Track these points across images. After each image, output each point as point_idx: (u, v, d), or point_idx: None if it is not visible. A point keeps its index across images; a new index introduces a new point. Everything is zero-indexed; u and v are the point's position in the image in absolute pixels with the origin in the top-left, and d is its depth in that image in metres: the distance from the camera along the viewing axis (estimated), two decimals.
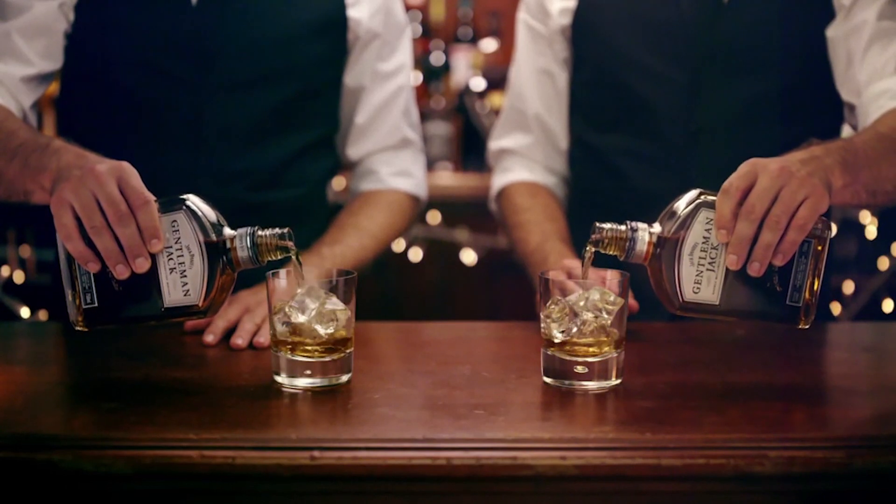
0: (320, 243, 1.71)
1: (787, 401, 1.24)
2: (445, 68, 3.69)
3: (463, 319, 1.84)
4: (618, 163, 1.80)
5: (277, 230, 1.23)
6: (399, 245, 3.10)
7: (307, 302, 1.24)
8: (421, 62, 3.64)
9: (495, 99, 3.50)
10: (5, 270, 2.92)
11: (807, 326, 1.24)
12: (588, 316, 1.24)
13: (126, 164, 1.22)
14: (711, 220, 1.22)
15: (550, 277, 1.28)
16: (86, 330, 1.25)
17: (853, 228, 2.90)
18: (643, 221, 1.25)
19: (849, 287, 2.93)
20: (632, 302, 1.43)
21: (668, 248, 1.23)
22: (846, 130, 1.76)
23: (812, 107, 1.75)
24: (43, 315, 2.73)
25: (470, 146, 3.49)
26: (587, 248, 1.26)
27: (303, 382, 1.25)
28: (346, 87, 1.84)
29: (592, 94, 1.85)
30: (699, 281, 1.22)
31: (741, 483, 1.07)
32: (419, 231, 3.16)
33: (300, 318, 1.24)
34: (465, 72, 3.65)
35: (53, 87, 1.81)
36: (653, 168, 1.77)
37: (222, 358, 1.41)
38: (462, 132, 3.52)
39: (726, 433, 1.10)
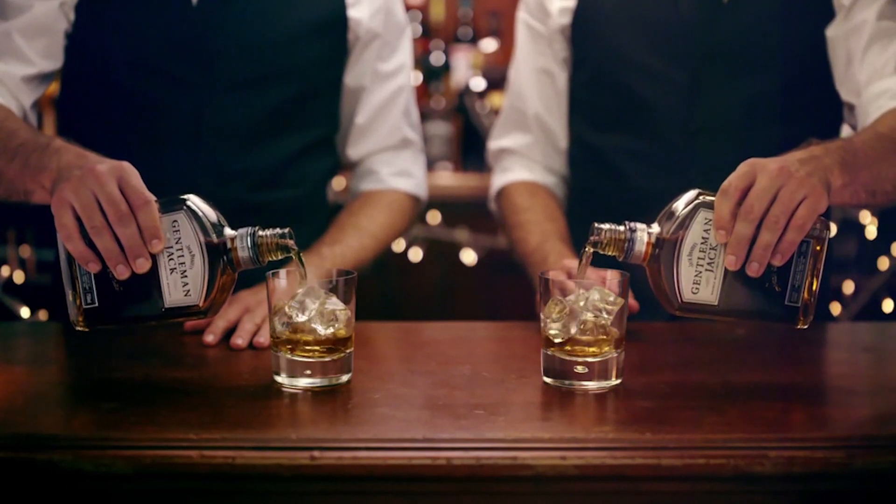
0: (320, 243, 1.71)
1: (787, 401, 1.24)
2: (445, 68, 3.69)
3: (463, 319, 1.84)
4: (617, 163, 1.80)
5: (278, 230, 1.23)
6: (399, 245, 3.10)
7: (307, 302, 1.24)
8: (421, 62, 3.64)
9: (495, 99, 3.50)
10: (5, 270, 2.93)
11: (805, 326, 1.24)
12: (588, 316, 1.24)
13: (127, 164, 1.22)
14: (710, 220, 1.22)
15: (550, 277, 1.28)
16: (86, 330, 1.25)
17: (853, 228, 2.90)
18: (642, 221, 1.25)
19: (849, 287, 2.93)
20: (632, 302, 1.43)
21: (666, 248, 1.23)
22: (845, 130, 1.76)
23: (812, 106, 1.75)
24: (43, 315, 2.73)
25: (470, 146, 3.49)
26: (585, 249, 1.26)
27: (303, 382, 1.25)
28: (346, 88, 1.84)
29: (592, 93, 1.85)
30: (698, 281, 1.22)
31: (741, 483, 1.07)
32: (419, 231, 3.16)
33: (300, 318, 1.24)
34: (465, 72, 3.65)
35: (53, 87, 1.81)
36: (652, 168, 1.77)
37: (222, 358, 1.41)
38: (462, 132, 3.52)
39: (726, 433, 1.10)
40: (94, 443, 1.06)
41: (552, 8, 1.85)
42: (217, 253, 1.22)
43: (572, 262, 1.51)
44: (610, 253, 1.25)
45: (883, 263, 2.90)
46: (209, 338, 1.45)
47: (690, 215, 1.22)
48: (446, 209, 3.16)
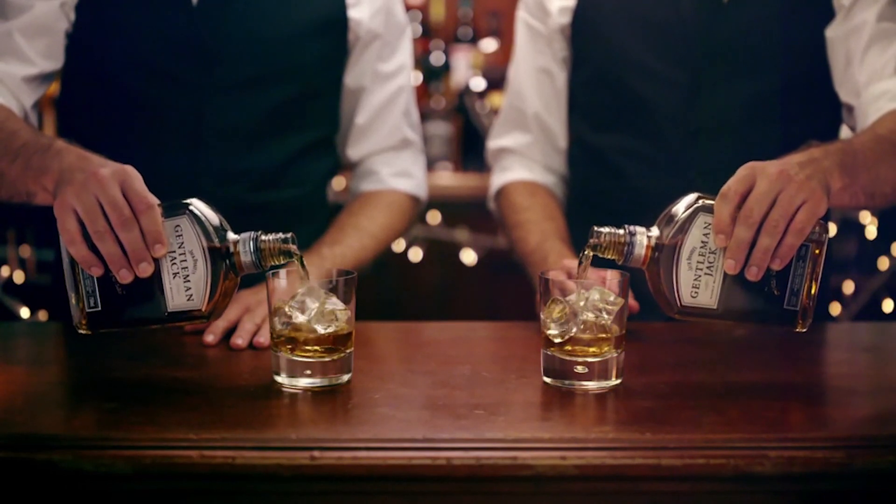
0: (320, 244, 1.71)
1: (787, 401, 1.24)
2: (445, 68, 3.69)
3: (463, 319, 1.84)
4: (617, 162, 1.80)
5: (280, 235, 1.23)
6: (399, 245, 3.10)
7: (307, 302, 1.24)
8: (421, 62, 3.64)
9: (495, 99, 3.50)
10: (5, 270, 2.93)
11: (804, 330, 1.24)
12: (588, 316, 1.24)
13: (129, 168, 1.22)
14: (709, 224, 1.22)
15: (550, 277, 1.28)
16: (89, 333, 1.25)
17: (853, 228, 2.90)
18: (642, 222, 1.25)
19: (849, 287, 2.94)
20: (632, 302, 1.43)
21: (666, 252, 1.23)
22: (845, 131, 1.76)
23: (812, 107, 1.75)
24: (43, 315, 2.73)
25: (470, 146, 3.49)
26: (585, 252, 1.26)
27: (303, 382, 1.25)
28: (346, 88, 1.84)
29: (592, 93, 1.85)
30: (697, 285, 1.23)
31: (741, 483, 1.07)
32: (419, 231, 3.16)
33: (300, 318, 1.24)
34: (465, 72, 3.65)
35: (54, 87, 1.81)
36: (652, 168, 1.77)
37: (222, 358, 1.41)
38: (462, 132, 3.52)
39: (726, 433, 1.10)
40: (94, 443, 1.06)
41: (552, 7, 1.85)
42: (219, 257, 1.22)
43: (572, 262, 1.51)
44: (609, 256, 1.25)
45: (883, 263, 2.91)
46: (209, 338, 1.45)
47: (690, 219, 1.22)
48: (446, 209, 3.16)
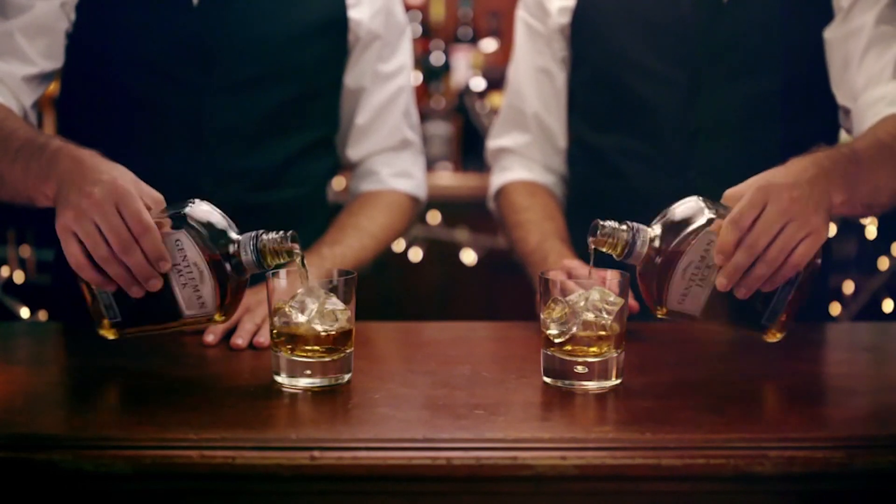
0: (320, 244, 1.71)
1: (787, 401, 1.24)
2: (445, 68, 3.69)
3: (463, 319, 1.84)
4: (616, 162, 1.80)
5: (281, 233, 1.24)
6: (399, 245, 3.10)
7: (307, 302, 1.24)
8: (421, 62, 3.64)
9: (495, 99, 3.50)
10: (5, 270, 2.93)
11: (775, 341, 1.30)
12: (588, 316, 1.24)
13: (122, 187, 1.21)
14: (712, 242, 1.23)
15: (550, 277, 1.28)
16: (116, 337, 1.29)
17: (853, 228, 2.90)
18: (642, 222, 1.26)
19: (849, 287, 2.94)
20: (632, 302, 1.43)
21: (664, 259, 1.24)
22: (844, 132, 1.76)
23: (811, 107, 1.75)
24: (43, 315, 2.73)
25: (470, 146, 3.49)
26: (592, 247, 1.27)
27: (303, 382, 1.25)
28: (346, 88, 1.84)
29: (591, 93, 1.85)
30: (686, 294, 1.26)
31: (741, 483, 1.07)
32: (419, 231, 3.16)
33: (300, 318, 1.24)
34: (465, 72, 3.65)
35: (53, 87, 1.81)
36: (652, 168, 1.77)
37: (222, 358, 1.41)
38: (462, 132, 3.52)
39: (726, 433, 1.10)
40: (94, 443, 1.06)
41: (551, 7, 1.85)
42: (223, 263, 1.24)
43: (572, 262, 1.51)
44: (608, 251, 1.26)
45: (883, 263, 2.91)
46: (209, 338, 1.45)
47: (695, 233, 1.23)
48: (446, 209, 3.16)
